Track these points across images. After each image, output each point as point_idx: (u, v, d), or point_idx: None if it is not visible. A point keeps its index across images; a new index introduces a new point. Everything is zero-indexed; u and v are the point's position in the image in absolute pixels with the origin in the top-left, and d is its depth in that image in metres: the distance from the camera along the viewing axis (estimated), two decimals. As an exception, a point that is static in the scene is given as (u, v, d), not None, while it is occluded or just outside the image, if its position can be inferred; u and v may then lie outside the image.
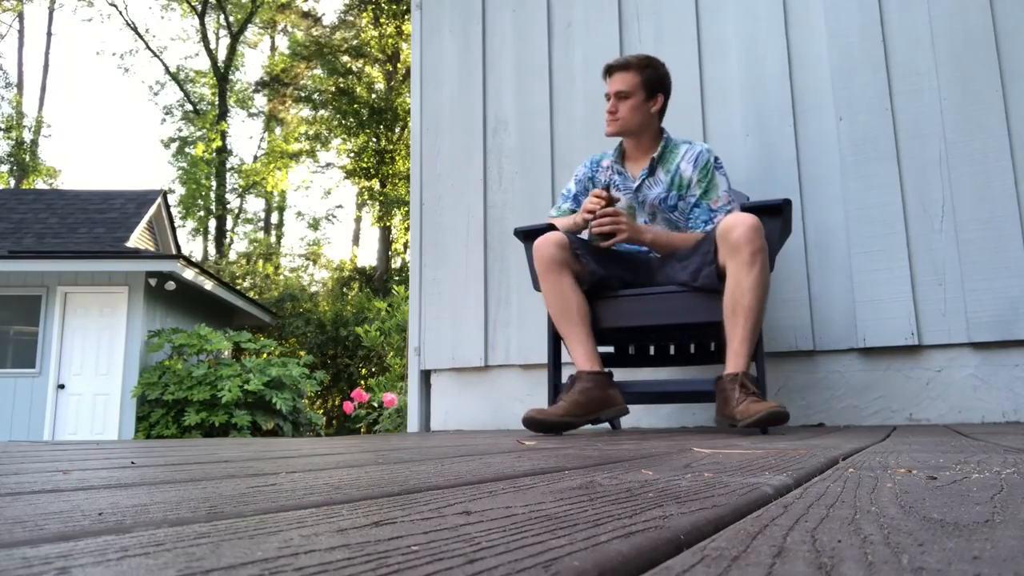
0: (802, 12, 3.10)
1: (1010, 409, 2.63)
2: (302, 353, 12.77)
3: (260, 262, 24.36)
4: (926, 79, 2.87)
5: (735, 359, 2.17)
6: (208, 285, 11.00)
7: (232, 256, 25.79)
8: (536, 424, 2.24)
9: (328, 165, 26.92)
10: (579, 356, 2.36)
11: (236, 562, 0.33)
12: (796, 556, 0.34)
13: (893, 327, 2.77)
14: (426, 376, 3.58)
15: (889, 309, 2.78)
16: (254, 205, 34.98)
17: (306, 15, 26.03)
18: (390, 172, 21.23)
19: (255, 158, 27.79)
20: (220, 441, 2.55)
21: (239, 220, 28.06)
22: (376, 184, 21.75)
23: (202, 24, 26.17)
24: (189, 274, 10.26)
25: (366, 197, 23.55)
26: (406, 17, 21.06)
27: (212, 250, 25.85)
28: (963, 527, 0.42)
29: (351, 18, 24.00)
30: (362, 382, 12.57)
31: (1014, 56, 2.78)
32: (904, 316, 2.76)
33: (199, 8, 25.90)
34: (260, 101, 27.70)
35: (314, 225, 28.34)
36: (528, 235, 2.63)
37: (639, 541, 0.38)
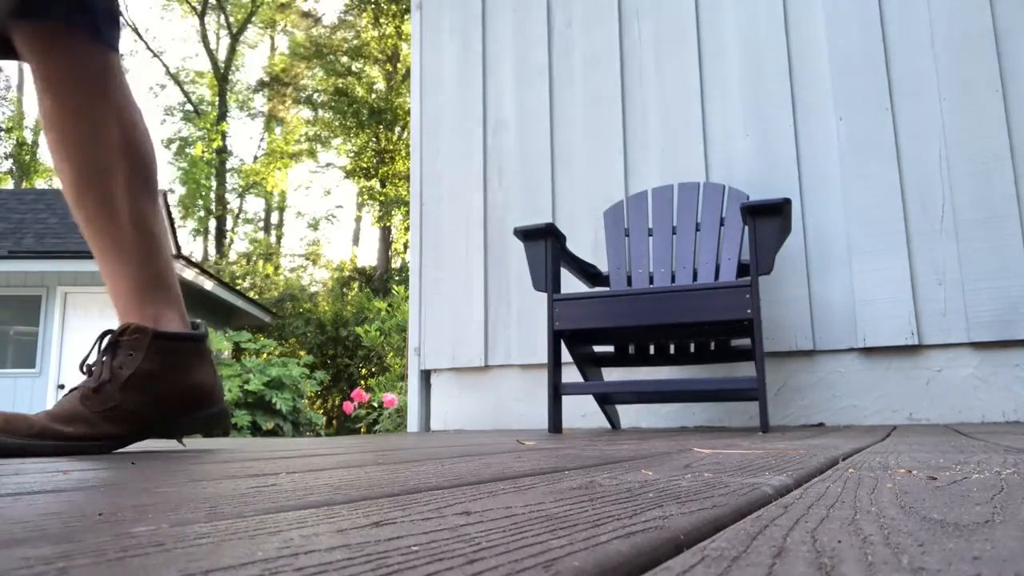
0: (802, 12, 3.10)
1: (1010, 409, 2.63)
2: (302, 353, 12.77)
3: (260, 262, 24.38)
4: (926, 79, 2.87)
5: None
6: (208, 285, 11.00)
7: (232, 256, 25.81)
8: None
9: (328, 165, 26.98)
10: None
11: (236, 562, 0.33)
12: (796, 556, 0.34)
13: (893, 327, 2.77)
14: (426, 376, 3.58)
15: (889, 309, 2.78)
16: (254, 205, 34.98)
17: (306, 15, 26.05)
18: (390, 172, 21.24)
19: (255, 158, 27.81)
20: (220, 441, 2.55)
21: (239, 220, 28.08)
22: (376, 184, 21.76)
23: (202, 24, 26.18)
24: (189, 274, 10.26)
25: (366, 197, 23.56)
26: (406, 17, 21.07)
27: (212, 250, 25.87)
28: (963, 527, 0.42)
29: (351, 18, 24.02)
30: (362, 382, 12.57)
31: (1014, 56, 2.78)
32: (904, 316, 2.76)
33: (199, 8, 25.90)
34: (260, 101, 27.73)
35: (314, 225, 28.36)
36: (528, 235, 2.63)
37: (639, 541, 0.38)
